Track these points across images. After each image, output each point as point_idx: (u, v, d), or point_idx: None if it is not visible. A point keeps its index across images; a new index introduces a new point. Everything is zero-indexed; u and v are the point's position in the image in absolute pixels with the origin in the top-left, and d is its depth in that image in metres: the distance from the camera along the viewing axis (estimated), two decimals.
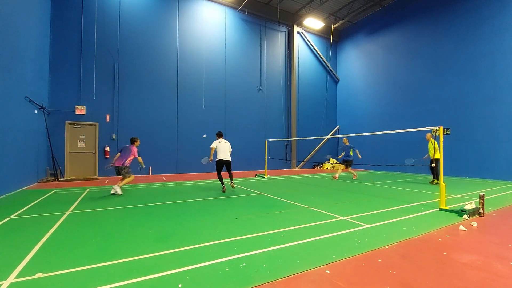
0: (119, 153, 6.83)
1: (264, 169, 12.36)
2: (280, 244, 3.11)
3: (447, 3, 12.35)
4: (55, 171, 9.51)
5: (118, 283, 2.19)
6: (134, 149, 6.91)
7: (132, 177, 6.93)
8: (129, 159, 6.80)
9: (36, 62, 8.59)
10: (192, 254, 2.82)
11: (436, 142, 8.66)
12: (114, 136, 11.05)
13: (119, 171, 6.78)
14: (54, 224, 3.94)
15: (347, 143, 10.54)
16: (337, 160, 10.67)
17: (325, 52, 17.92)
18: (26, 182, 7.87)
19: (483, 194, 4.63)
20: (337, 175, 10.55)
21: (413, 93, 13.56)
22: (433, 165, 8.94)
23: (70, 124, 10.35)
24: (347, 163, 10.52)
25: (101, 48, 10.92)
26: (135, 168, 8.17)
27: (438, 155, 8.26)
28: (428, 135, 9.53)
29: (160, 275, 2.33)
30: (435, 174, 9.20)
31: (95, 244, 3.12)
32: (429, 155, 9.48)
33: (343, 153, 10.54)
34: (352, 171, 10.71)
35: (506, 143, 10.30)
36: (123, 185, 6.78)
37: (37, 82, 8.76)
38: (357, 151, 10.57)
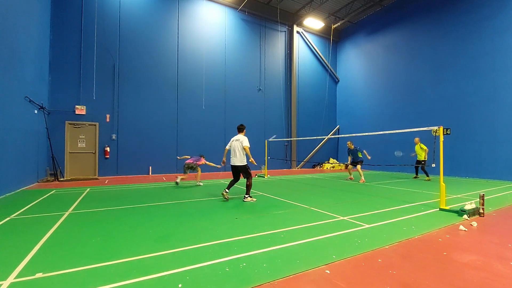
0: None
1: (264, 169, 12.36)
2: (280, 244, 3.11)
3: (447, 3, 12.33)
4: (55, 171, 9.51)
5: (118, 283, 2.19)
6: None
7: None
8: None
9: (36, 62, 8.58)
10: (192, 254, 2.82)
11: (424, 145, 10.32)
12: (114, 136, 11.04)
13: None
14: (54, 224, 3.94)
15: (352, 147, 10.02)
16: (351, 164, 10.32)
17: (325, 52, 17.91)
18: (26, 182, 7.87)
19: (483, 194, 4.63)
20: (351, 176, 10.27)
21: (413, 93, 13.55)
22: (423, 163, 10.23)
23: (70, 124, 10.35)
24: (356, 163, 9.95)
25: (101, 48, 10.92)
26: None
27: (425, 157, 10.33)
28: (416, 139, 10.60)
29: (160, 275, 2.33)
30: (426, 172, 10.50)
31: (95, 244, 3.12)
32: (416, 155, 10.62)
33: (351, 157, 10.13)
34: (360, 171, 10.02)
35: (506, 143, 10.29)
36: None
37: (37, 82, 8.76)
38: (365, 151, 10.05)
